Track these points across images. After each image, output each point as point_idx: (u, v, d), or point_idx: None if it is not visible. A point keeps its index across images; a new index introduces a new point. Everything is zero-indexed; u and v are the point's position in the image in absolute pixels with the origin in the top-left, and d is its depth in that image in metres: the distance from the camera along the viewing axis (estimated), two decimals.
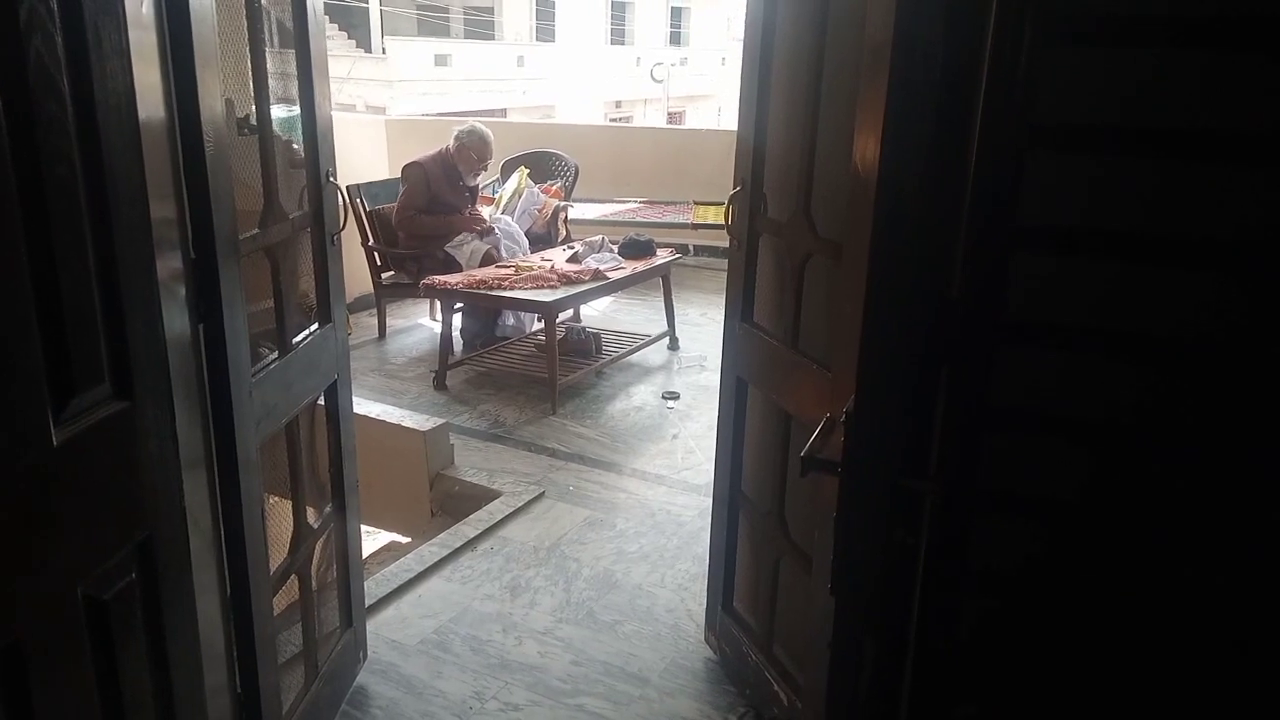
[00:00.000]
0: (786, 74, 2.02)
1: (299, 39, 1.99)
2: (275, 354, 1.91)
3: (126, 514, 1.33)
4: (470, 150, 5.05)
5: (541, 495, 3.47)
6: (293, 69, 2.01)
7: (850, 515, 1.12)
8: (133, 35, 1.30)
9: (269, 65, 1.86)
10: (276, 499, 2.01)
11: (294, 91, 2.01)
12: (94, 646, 1.27)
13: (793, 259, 1.99)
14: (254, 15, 1.78)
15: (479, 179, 5.30)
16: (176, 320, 1.58)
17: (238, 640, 1.80)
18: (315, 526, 2.15)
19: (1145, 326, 1.20)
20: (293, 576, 2.05)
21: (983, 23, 1.20)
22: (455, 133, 5.09)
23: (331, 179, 2.13)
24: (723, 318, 2.35)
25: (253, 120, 2.03)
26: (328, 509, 2.25)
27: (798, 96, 1.92)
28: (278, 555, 1.98)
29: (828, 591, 1.19)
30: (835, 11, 1.77)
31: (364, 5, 21.44)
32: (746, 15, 2.14)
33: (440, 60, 21.02)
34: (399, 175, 5.79)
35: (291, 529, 2.05)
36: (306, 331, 2.08)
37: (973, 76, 1.20)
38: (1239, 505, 1.20)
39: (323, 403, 2.20)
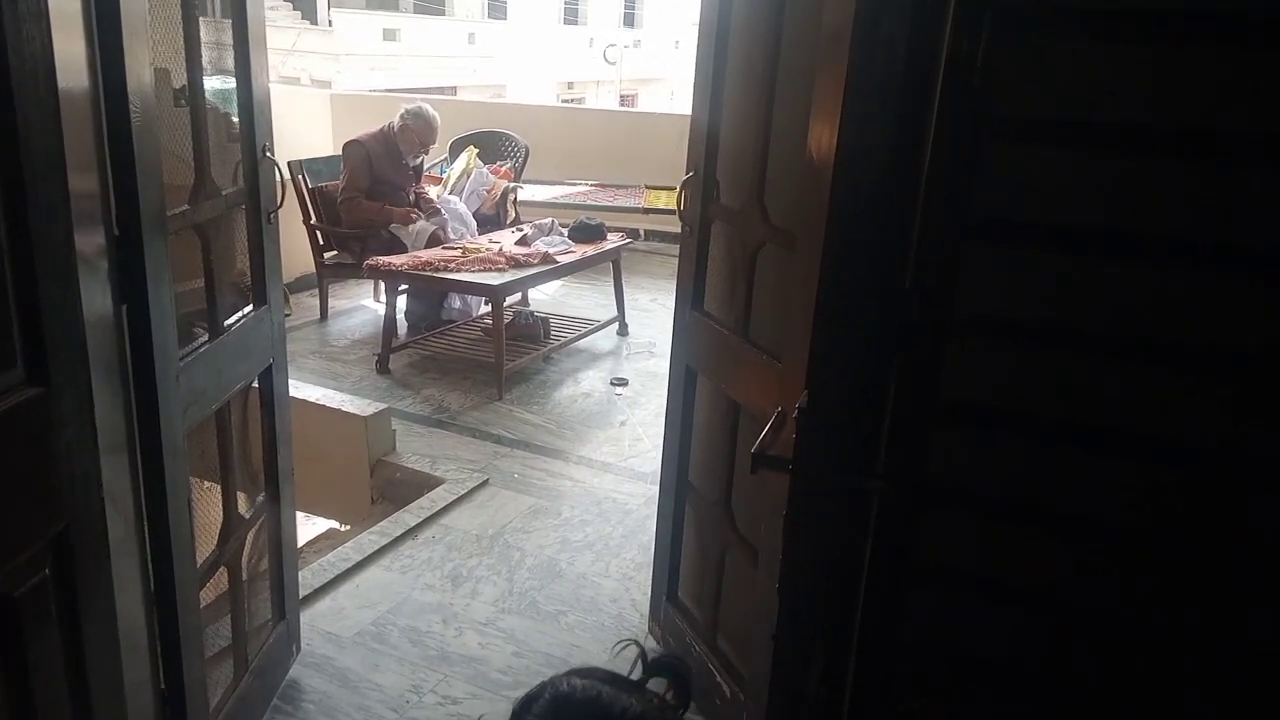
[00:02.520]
0: (742, 57, 1.99)
1: (236, 7, 1.90)
2: (205, 336, 1.83)
3: (41, 506, 1.26)
4: (413, 132, 4.93)
5: (486, 483, 3.42)
6: (229, 39, 1.92)
7: (800, 514, 1.10)
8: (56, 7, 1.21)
9: (204, 34, 1.78)
10: (206, 487, 1.93)
11: (230, 62, 1.92)
12: (3, 645, 1.21)
13: (745, 247, 1.96)
14: None
15: (420, 159, 5.18)
16: (98, 300, 1.50)
17: (161, 634, 1.72)
18: (247, 516, 2.07)
19: (1103, 323, 1.19)
20: (222, 568, 1.97)
21: (943, 11, 1.18)
22: (400, 111, 4.97)
23: (268, 154, 2.04)
24: (674, 304, 2.32)
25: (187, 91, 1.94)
26: (261, 498, 2.17)
27: (753, 80, 1.89)
28: (207, 546, 1.91)
29: (774, 591, 1.17)
30: (792, 6, 1.74)
31: None
32: (702, 4, 2.10)
33: (389, 35, 20.60)
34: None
35: (221, 519, 1.97)
36: (240, 314, 1.99)
37: (931, 66, 1.18)
38: (1202, 504, 1.20)
39: (257, 387, 2.12)
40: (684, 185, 2.21)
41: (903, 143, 1.15)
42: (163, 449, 1.62)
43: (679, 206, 2.24)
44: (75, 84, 1.35)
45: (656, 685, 0.85)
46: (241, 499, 2.05)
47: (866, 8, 1.18)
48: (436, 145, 5.30)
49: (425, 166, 5.41)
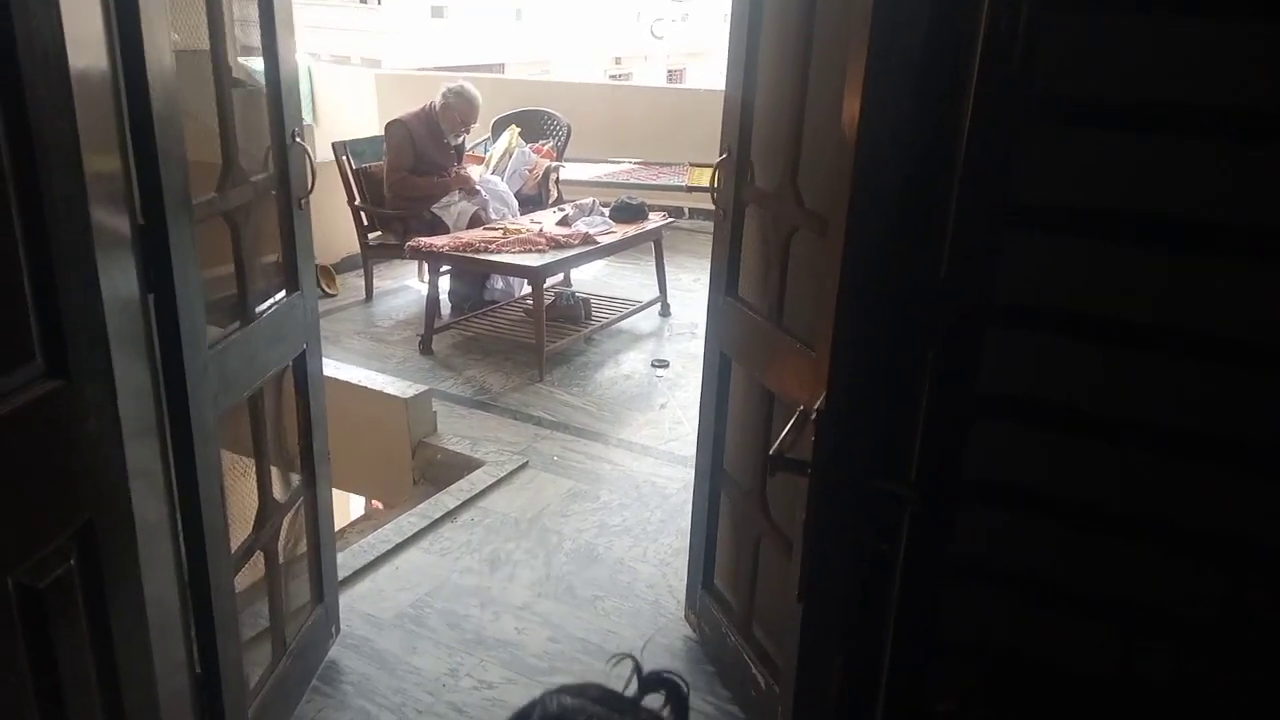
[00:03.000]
0: (776, 33, 1.92)
1: None
2: (237, 323, 1.83)
3: (64, 498, 1.26)
4: (454, 111, 4.92)
5: (525, 465, 3.41)
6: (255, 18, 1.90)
7: (820, 519, 1.05)
8: None
9: (230, 14, 1.76)
10: (241, 472, 1.94)
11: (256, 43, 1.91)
12: (28, 635, 1.22)
13: (778, 231, 1.90)
14: None
15: (462, 138, 5.17)
16: (124, 288, 1.51)
17: (196, 617, 1.74)
18: (282, 500, 2.08)
19: (1146, 314, 1.13)
20: (258, 551, 1.99)
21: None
22: (442, 90, 4.96)
23: (298, 139, 2.03)
24: None
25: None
26: (297, 482, 2.18)
27: (787, 57, 1.83)
28: (243, 530, 1.92)
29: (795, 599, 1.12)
30: None
31: None
32: None
33: (436, 12, 20.64)
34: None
35: (257, 503, 1.98)
36: (273, 299, 1.99)
37: (963, 43, 1.11)
38: (1245, 505, 1.13)
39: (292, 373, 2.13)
40: (718, 167, 2.15)
41: (931, 124, 1.08)
42: (193, 435, 1.63)
43: (712, 188, 2.18)
44: (93, 65, 1.35)
45: (654, 699, 0.82)
46: (277, 483, 2.06)
47: None
48: (478, 124, 5.29)
49: (467, 146, 5.40)
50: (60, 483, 1.25)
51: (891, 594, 1.29)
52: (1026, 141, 1.10)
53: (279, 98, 1.95)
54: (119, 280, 1.47)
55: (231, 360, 1.78)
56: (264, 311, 1.93)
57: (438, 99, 4.94)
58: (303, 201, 2.07)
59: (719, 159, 2.15)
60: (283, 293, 2.05)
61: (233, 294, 1.85)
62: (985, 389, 1.21)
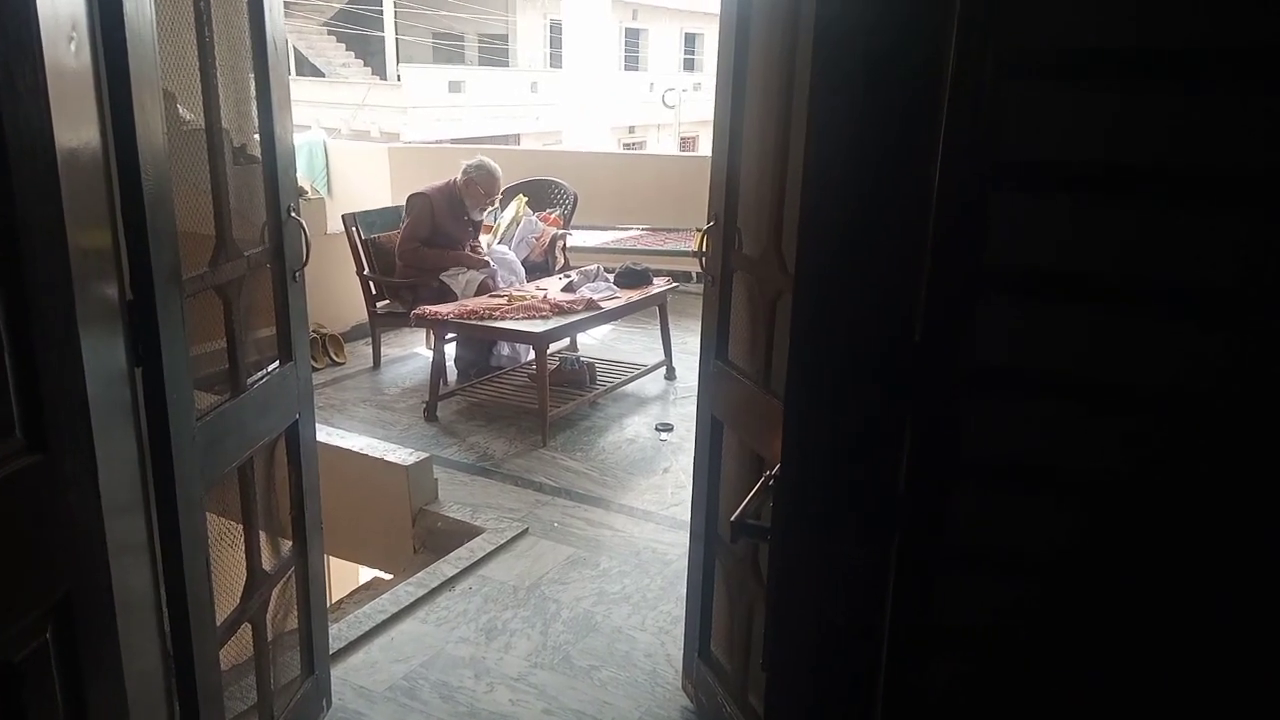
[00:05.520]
0: (759, 104, 1.96)
1: (258, 69, 1.95)
2: (227, 395, 1.85)
3: (41, 571, 1.27)
4: (478, 185, 5.01)
5: (525, 532, 3.39)
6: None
7: (780, 586, 1.04)
8: (60, 71, 1.25)
9: (223, 96, 1.82)
10: (229, 544, 1.94)
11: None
12: (2, 710, 1.21)
13: (764, 296, 1.92)
14: (204, 44, 1.73)
15: (487, 212, 5.27)
16: (111, 363, 1.53)
17: (180, 693, 1.73)
18: (271, 571, 2.08)
19: (1128, 376, 1.12)
20: (246, 624, 1.98)
21: (943, 50, 1.13)
22: (464, 166, 5.05)
23: (294, 214, 2.08)
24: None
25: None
26: (288, 552, 2.18)
27: (769, 127, 1.86)
28: (229, 603, 1.92)
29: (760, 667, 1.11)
30: (805, 40, 1.70)
31: (380, 34, 21.66)
32: (719, 43, 2.09)
33: (454, 87, 21.17)
34: (401, 203, 5.78)
35: (245, 575, 1.98)
36: (264, 371, 2.02)
37: (934, 109, 1.13)
38: (1236, 566, 1.11)
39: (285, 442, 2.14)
40: (705, 234, 2.18)
41: (885, 192, 1.10)
42: (178, 507, 1.63)
43: (700, 254, 2.21)
44: (85, 143, 1.39)
45: None
46: (266, 553, 2.06)
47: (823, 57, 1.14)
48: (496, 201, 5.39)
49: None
50: (38, 556, 1.26)
51: (877, 663, 1.27)
52: (997, 204, 1.11)
53: (274, 174, 2.01)
54: (106, 353, 1.50)
55: (220, 431, 1.79)
56: (255, 382, 1.96)
57: (459, 175, 5.03)
58: (297, 274, 2.11)
59: (706, 226, 2.18)
60: (276, 363, 2.08)
61: (223, 366, 1.87)
62: (968, 454, 1.20)
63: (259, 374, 1.99)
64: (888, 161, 1.17)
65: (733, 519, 1.09)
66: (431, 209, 4.98)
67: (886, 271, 1.18)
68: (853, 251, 1.16)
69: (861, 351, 1.17)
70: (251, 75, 1.94)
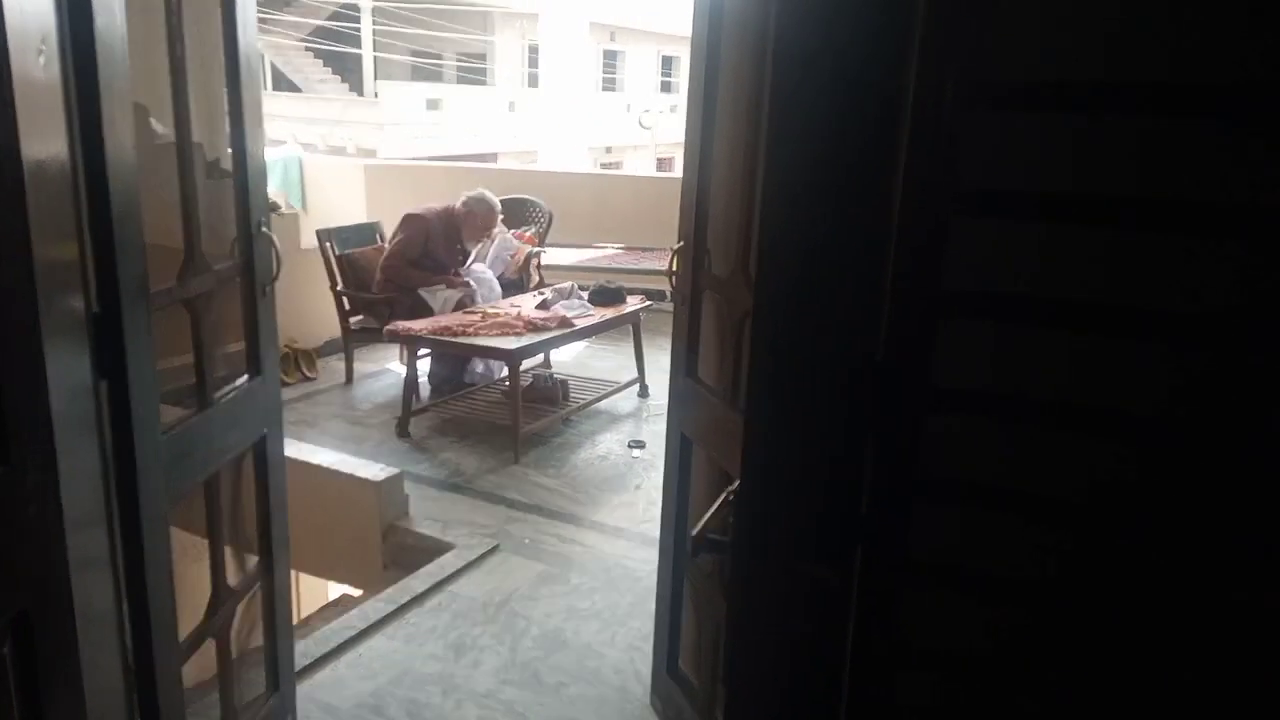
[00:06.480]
0: (729, 128, 2.00)
1: (230, 84, 1.95)
2: (194, 408, 1.85)
3: (0, 586, 1.26)
4: (478, 217, 5.03)
5: (496, 548, 3.39)
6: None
7: (742, 602, 1.06)
8: (29, 84, 1.25)
9: (195, 110, 1.82)
10: (194, 559, 1.93)
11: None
12: None
13: (732, 316, 1.95)
14: (176, 58, 1.74)
15: (482, 244, 5.29)
16: (76, 375, 1.52)
17: (141, 708, 1.71)
18: (236, 586, 2.06)
19: (1088, 398, 1.15)
20: (209, 640, 1.96)
21: (901, 82, 1.16)
22: (464, 197, 5.06)
23: (264, 229, 2.08)
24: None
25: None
26: (254, 568, 2.17)
27: (738, 148, 1.89)
28: (193, 618, 1.90)
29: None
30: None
31: (358, 52, 21.64)
32: (690, 66, 2.12)
33: (432, 104, 21.17)
34: (376, 220, 5.78)
35: (210, 590, 1.97)
36: (232, 385, 2.01)
37: (895, 136, 1.16)
38: (1198, 584, 1.13)
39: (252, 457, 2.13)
40: (675, 253, 2.21)
41: (847, 215, 1.13)
42: (142, 521, 1.62)
43: (670, 274, 2.24)
44: (52, 156, 1.39)
45: None
46: (232, 570, 2.05)
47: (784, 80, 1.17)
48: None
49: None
50: None
51: (839, 681, 1.28)
52: (957, 230, 1.14)
53: (245, 188, 2.01)
54: (71, 366, 1.49)
55: (186, 445, 1.79)
56: (223, 396, 1.95)
57: (459, 205, 5.04)
58: (267, 289, 2.11)
59: (676, 246, 2.20)
60: (244, 377, 2.07)
61: (191, 380, 1.87)
62: (930, 473, 1.22)
63: (226, 388, 1.98)
64: (850, 186, 1.20)
65: (693, 533, 1.11)
66: (427, 232, 4.97)
67: (848, 293, 1.20)
68: (814, 273, 1.19)
69: (823, 371, 1.19)
70: (224, 90, 1.95)
